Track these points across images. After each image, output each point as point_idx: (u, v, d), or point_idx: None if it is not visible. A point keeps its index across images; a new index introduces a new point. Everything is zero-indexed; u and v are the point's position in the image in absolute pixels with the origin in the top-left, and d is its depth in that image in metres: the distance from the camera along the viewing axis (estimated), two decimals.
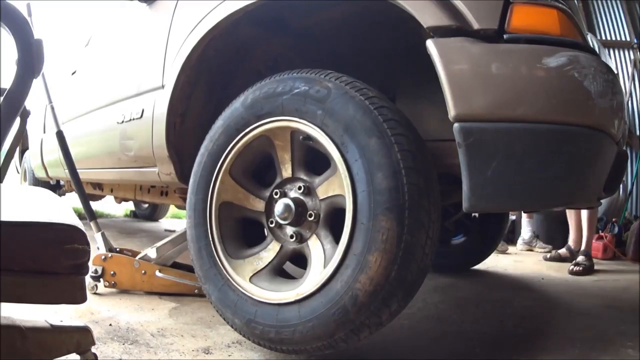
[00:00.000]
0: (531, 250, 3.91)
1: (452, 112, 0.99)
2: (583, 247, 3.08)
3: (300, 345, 1.13)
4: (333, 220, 1.20)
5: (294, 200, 1.23)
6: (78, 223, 0.59)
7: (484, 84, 0.99)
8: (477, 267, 2.80)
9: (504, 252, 3.68)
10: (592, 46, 1.11)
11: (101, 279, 1.86)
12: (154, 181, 1.95)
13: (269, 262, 1.29)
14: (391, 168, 1.04)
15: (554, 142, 0.99)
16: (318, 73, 1.21)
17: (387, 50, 1.62)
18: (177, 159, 1.68)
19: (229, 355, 1.27)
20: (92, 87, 2.45)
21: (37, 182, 3.99)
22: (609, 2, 5.37)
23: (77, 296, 0.58)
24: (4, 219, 0.53)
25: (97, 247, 1.98)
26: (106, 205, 5.55)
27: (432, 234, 1.07)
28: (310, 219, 1.21)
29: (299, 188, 1.25)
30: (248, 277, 1.26)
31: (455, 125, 0.99)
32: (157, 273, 1.84)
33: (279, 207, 1.24)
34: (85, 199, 2.03)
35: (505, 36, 1.02)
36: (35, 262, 0.52)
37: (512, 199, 1.01)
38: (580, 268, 2.86)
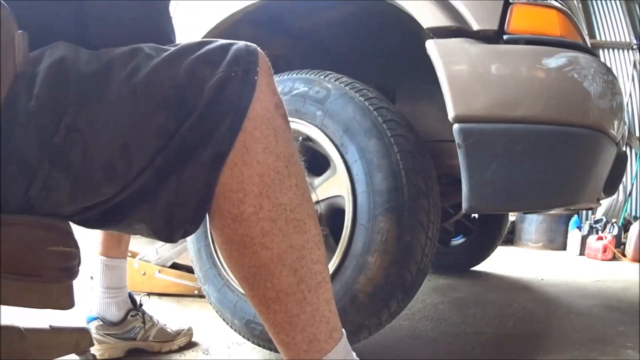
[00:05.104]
0: None
1: (451, 113, 0.99)
2: None
3: None
4: (332, 221, 1.20)
5: None
6: (65, 223, 0.54)
7: (483, 84, 0.99)
8: (476, 267, 2.79)
9: None
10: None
11: None
12: None
13: None
14: (391, 169, 1.04)
15: (553, 143, 0.99)
16: (317, 74, 1.21)
17: (387, 51, 1.61)
18: None
19: (229, 356, 1.27)
20: None
21: None
22: (608, 2, 5.37)
23: (63, 302, 0.54)
24: None
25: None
26: None
27: (431, 235, 1.07)
28: None
29: None
30: None
31: (455, 126, 0.99)
32: (157, 274, 1.84)
33: None
34: None
35: (505, 37, 1.02)
36: (15, 263, 0.48)
37: (511, 199, 1.01)
38: None
